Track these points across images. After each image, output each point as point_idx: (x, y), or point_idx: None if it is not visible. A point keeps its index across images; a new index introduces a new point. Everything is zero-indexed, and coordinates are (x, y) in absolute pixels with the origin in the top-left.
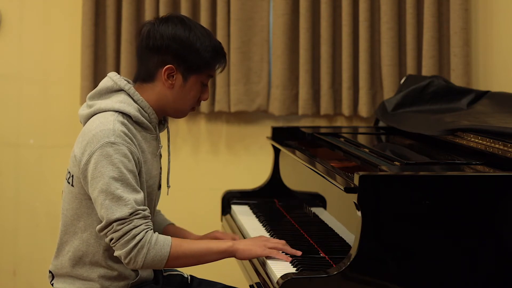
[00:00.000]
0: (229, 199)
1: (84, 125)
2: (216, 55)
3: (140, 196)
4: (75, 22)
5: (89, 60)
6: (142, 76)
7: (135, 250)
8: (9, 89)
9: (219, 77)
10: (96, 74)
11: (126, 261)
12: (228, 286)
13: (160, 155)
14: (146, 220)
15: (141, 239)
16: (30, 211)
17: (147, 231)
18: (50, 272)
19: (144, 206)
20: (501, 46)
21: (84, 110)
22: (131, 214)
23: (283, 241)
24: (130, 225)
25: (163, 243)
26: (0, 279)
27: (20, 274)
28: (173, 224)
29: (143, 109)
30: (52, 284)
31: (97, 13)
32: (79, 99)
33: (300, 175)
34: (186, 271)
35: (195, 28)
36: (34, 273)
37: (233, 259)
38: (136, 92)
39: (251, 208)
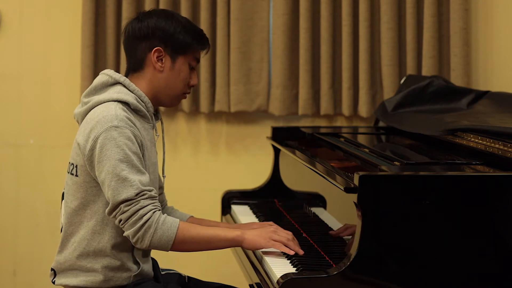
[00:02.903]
0: (229, 199)
1: (80, 123)
2: (199, 37)
3: (145, 177)
4: (75, 22)
5: (89, 60)
6: (133, 66)
7: (142, 230)
8: (9, 89)
9: (219, 77)
10: (96, 74)
11: (134, 240)
12: (226, 285)
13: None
14: (153, 201)
15: (148, 219)
16: (30, 211)
17: (154, 211)
18: (52, 269)
19: (150, 186)
20: (501, 46)
21: (79, 108)
22: (137, 194)
23: (290, 235)
24: (137, 205)
25: (171, 225)
26: (0, 279)
27: (20, 274)
28: (192, 216)
29: (139, 98)
30: (54, 282)
31: (97, 13)
32: (79, 99)
33: (300, 175)
34: (185, 270)
35: (178, 16)
36: (34, 273)
37: (233, 259)
38: (132, 83)
39: (251, 208)
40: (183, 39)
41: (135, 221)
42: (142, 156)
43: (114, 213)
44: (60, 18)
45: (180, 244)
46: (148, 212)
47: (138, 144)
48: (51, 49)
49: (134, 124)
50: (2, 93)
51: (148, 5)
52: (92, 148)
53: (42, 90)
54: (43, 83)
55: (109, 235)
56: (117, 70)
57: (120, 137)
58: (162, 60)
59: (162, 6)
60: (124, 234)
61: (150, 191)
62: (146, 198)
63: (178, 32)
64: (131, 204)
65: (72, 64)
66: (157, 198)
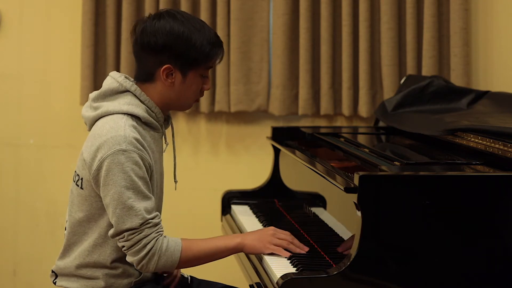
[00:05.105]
0: (229, 199)
1: (89, 127)
2: (213, 47)
3: (150, 202)
4: (75, 22)
5: (89, 60)
6: (143, 77)
7: (146, 258)
8: (9, 89)
9: (219, 77)
10: (96, 74)
11: (138, 267)
12: (228, 286)
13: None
14: (156, 227)
15: (151, 248)
16: (30, 211)
17: (157, 238)
18: (53, 271)
19: (154, 212)
20: (501, 46)
21: (89, 112)
22: (141, 224)
23: (289, 236)
24: (140, 235)
25: (174, 249)
26: (0, 279)
27: (20, 274)
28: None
29: (150, 109)
30: (55, 283)
31: (97, 13)
32: (79, 99)
33: (300, 175)
34: (186, 271)
35: (188, 23)
36: (34, 273)
37: (233, 259)
38: (143, 93)
39: (251, 208)
40: (196, 53)
41: (138, 250)
42: (151, 176)
43: (117, 238)
44: (60, 18)
45: (185, 264)
46: (151, 240)
47: (146, 167)
48: (51, 49)
49: (143, 145)
50: (2, 93)
51: (148, 5)
52: (98, 169)
53: (42, 90)
54: (43, 83)
55: (110, 249)
56: (117, 70)
57: (127, 162)
58: (172, 75)
59: (162, 6)
60: (127, 260)
61: (153, 218)
62: (150, 227)
63: (190, 46)
64: (135, 233)
65: (72, 64)
66: (160, 222)
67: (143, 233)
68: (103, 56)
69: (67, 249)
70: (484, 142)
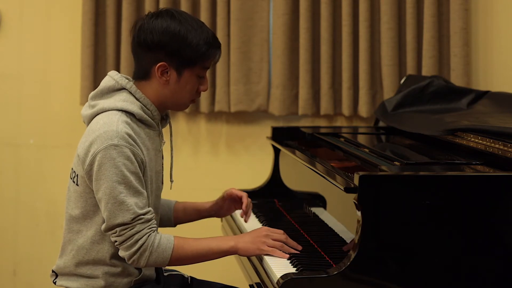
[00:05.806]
0: None
1: (87, 125)
2: (209, 48)
3: (142, 198)
4: (75, 22)
5: (89, 60)
6: (140, 74)
7: (138, 254)
8: (9, 89)
9: (219, 77)
10: (96, 74)
11: (130, 262)
12: (228, 286)
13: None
14: (149, 223)
15: (143, 243)
16: (30, 211)
17: (149, 234)
18: (53, 271)
19: (146, 208)
20: (501, 46)
21: (86, 111)
22: (133, 219)
23: (282, 235)
24: (132, 230)
25: (165, 246)
26: (0, 279)
27: (20, 274)
28: (176, 201)
29: (145, 106)
30: (55, 283)
31: (97, 13)
32: (79, 99)
33: (300, 175)
34: (186, 271)
35: (186, 22)
36: (34, 273)
37: (233, 259)
38: (138, 90)
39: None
40: (191, 52)
41: (130, 245)
42: (144, 172)
43: (110, 233)
44: (60, 18)
45: (176, 262)
46: (143, 236)
47: (138, 162)
48: (51, 49)
49: (135, 141)
50: (2, 93)
51: (148, 5)
52: (91, 164)
53: (42, 90)
54: (43, 83)
55: (108, 245)
56: (117, 70)
57: (119, 157)
58: (167, 73)
59: (162, 6)
60: (120, 255)
61: (145, 214)
62: (142, 223)
63: (186, 44)
64: (127, 228)
65: (72, 64)
66: (153, 218)
67: (135, 229)
68: (103, 56)
69: (64, 247)
70: (484, 142)
